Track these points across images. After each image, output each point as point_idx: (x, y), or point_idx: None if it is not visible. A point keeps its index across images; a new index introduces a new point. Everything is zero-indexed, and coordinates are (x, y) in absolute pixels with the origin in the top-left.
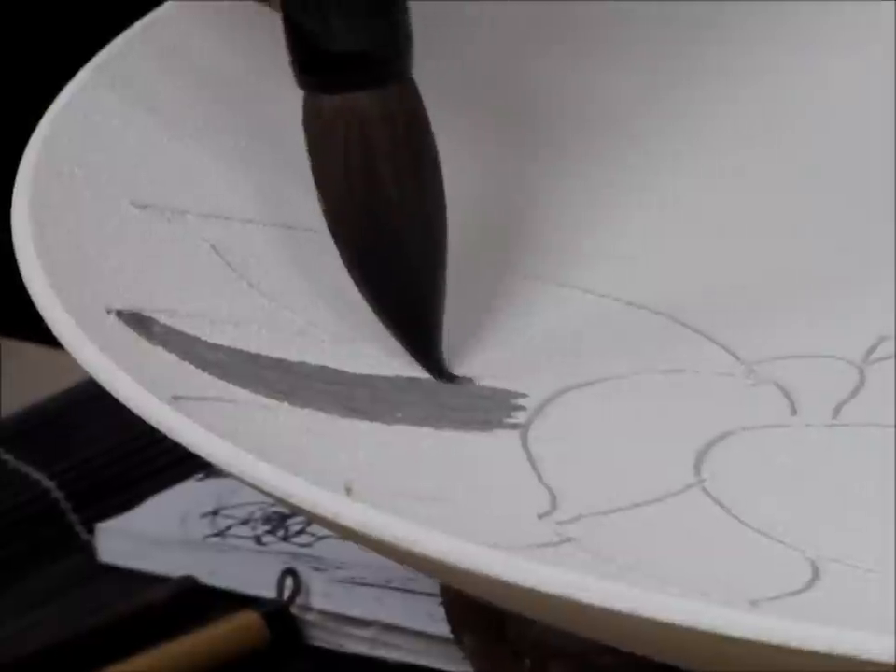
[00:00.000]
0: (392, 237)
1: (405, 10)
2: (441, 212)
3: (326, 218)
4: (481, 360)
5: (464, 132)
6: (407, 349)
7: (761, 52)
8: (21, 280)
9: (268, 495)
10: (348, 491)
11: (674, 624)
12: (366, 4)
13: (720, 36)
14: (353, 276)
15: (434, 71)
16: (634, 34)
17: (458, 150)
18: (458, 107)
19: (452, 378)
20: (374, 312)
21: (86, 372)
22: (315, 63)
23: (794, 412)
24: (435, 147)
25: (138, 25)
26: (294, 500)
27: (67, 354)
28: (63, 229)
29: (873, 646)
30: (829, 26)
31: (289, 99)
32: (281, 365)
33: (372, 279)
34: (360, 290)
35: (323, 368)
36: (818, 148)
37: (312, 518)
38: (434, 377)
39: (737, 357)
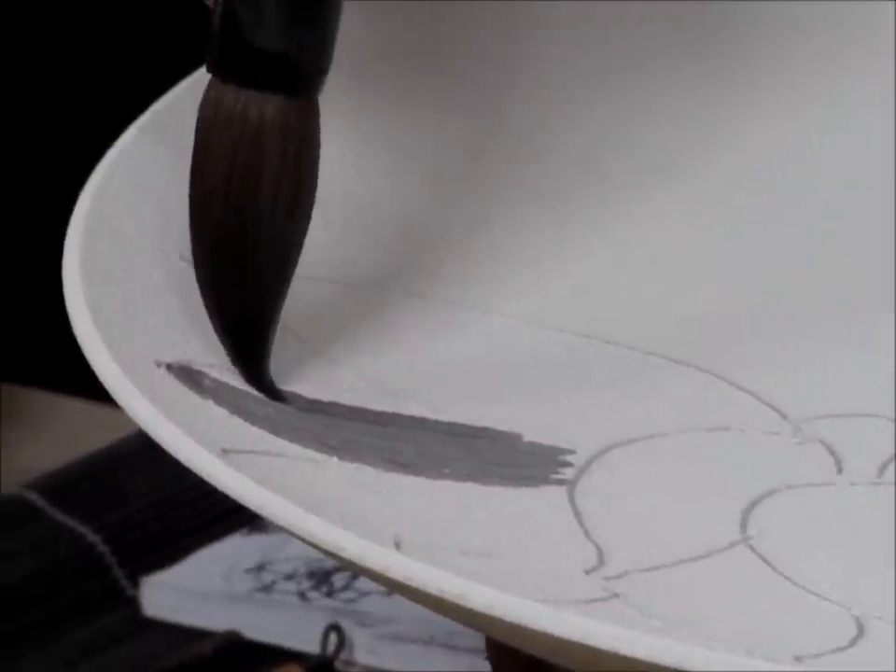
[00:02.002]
0: (251, 246)
1: (335, 32)
2: (301, 237)
3: (190, 208)
4: (529, 414)
5: (427, 141)
6: (232, 360)
7: (751, 64)
8: (71, 334)
9: (316, 548)
10: (397, 545)
11: None
12: (303, 11)
13: (704, 47)
14: (198, 274)
15: (392, 71)
16: (605, 56)
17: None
18: (415, 114)
19: (278, 396)
20: (210, 315)
21: (129, 428)
22: (233, 52)
23: (840, 470)
24: (317, 173)
25: (187, 81)
26: (344, 554)
27: (111, 409)
28: (113, 282)
29: None
30: (825, 28)
31: (334, 155)
32: (330, 420)
33: (218, 282)
34: (203, 294)
35: (370, 423)
36: (830, 176)
37: (360, 571)
38: (264, 395)
39: (784, 416)
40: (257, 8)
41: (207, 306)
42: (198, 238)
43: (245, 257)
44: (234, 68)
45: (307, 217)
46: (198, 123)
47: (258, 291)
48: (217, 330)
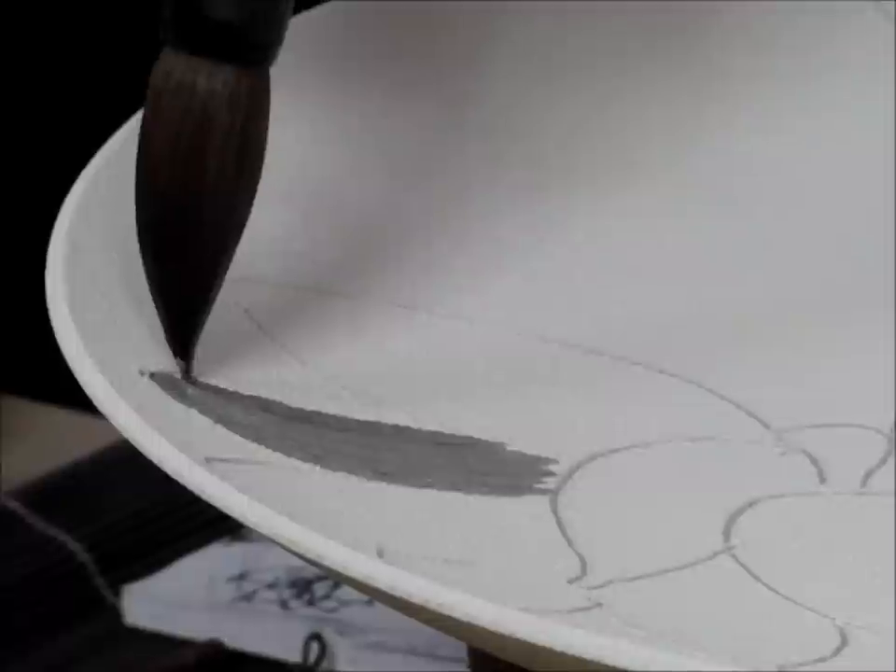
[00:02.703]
0: (194, 211)
1: (289, 3)
2: (246, 210)
3: (137, 172)
4: (511, 423)
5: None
6: (166, 332)
7: (742, 61)
8: (53, 342)
9: (300, 557)
10: (380, 554)
11: None
12: None
13: (682, 37)
14: (141, 242)
15: (363, 57)
16: (574, 57)
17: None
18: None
19: (189, 377)
20: (149, 282)
21: (112, 436)
22: (184, 20)
23: (823, 480)
24: (265, 145)
25: None
26: (327, 562)
27: (93, 417)
28: (96, 291)
29: None
30: (811, 19)
31: (322, 164)
32: (314, 429)
33: (160, 250)
34: (144, 261)
35: (354, 432)
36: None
37: (343, 580)
38: (180, 369)
39: (767, 426)
40: None
41: (147, 274)
42: (143, 205)
43: (187, 221)
44: (185, 37)
45: (253, 189)
46: (148, 92)
47: (200, 258)
48: (154, 299)
